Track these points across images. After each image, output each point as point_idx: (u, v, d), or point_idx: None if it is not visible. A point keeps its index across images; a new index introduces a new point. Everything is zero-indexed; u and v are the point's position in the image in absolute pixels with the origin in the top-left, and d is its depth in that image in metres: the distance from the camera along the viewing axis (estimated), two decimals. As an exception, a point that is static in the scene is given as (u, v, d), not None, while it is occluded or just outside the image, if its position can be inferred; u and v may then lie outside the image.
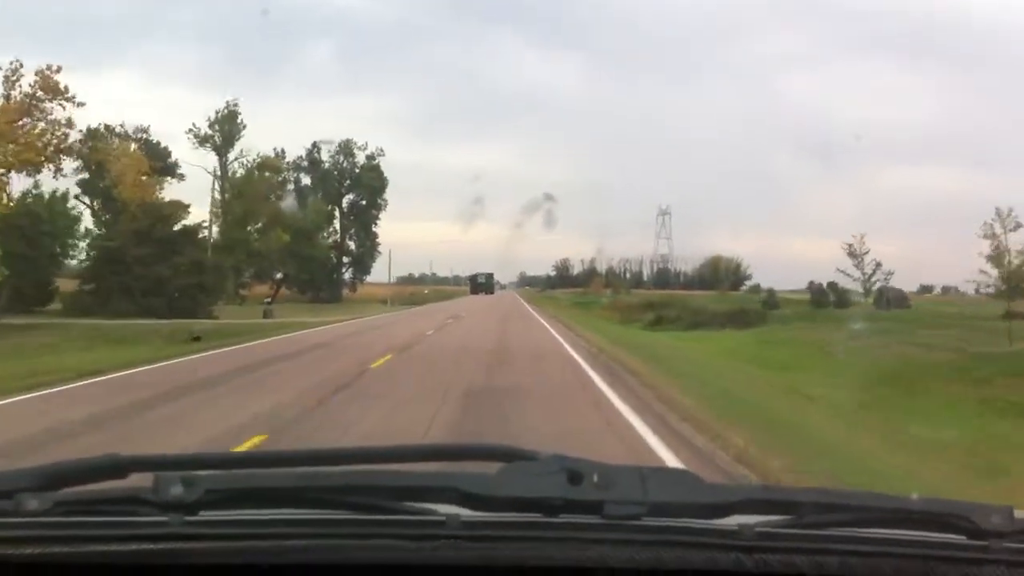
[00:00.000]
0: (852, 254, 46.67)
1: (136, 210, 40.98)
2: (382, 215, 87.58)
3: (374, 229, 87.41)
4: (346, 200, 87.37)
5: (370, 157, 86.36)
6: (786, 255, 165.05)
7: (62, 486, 1.40)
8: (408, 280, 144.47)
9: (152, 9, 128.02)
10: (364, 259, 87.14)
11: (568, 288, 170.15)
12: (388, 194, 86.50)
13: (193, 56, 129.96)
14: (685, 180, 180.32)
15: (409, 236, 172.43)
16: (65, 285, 47.23)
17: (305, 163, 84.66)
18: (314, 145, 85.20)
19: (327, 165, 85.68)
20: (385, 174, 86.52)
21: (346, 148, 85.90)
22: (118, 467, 1.44)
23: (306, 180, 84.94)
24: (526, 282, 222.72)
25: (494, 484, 1.37)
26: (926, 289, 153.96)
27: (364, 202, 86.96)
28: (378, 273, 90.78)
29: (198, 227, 46.50)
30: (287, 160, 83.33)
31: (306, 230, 64.32)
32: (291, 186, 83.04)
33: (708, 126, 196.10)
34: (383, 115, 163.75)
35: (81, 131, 39.01)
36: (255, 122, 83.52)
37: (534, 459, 1.47)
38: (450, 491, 1.36)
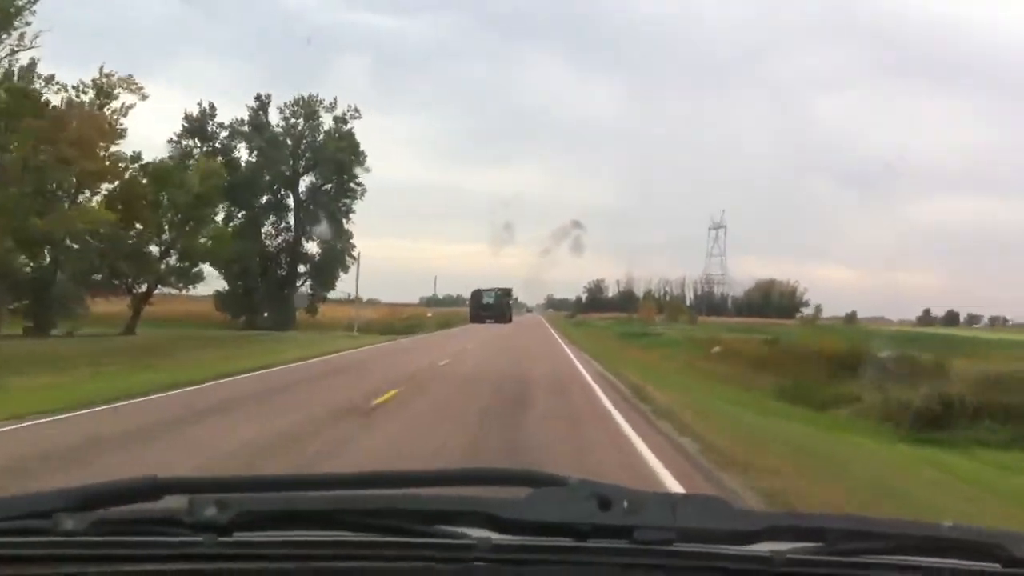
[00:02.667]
0: None
1: None
2: (356, 205, 58.98)
3: (345, 225, 58.79)
4: (305, 182, 58.93)
5: (339, 120, 57.96)
6: (819, 281, 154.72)
7: (99, 506, 1.36)
8: (430, 301, 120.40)
9: (192, 26, 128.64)
10: (329, 267, 58.47)
11: (603, 312, 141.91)
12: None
13: (227, 73, 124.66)
14: (718, 203, 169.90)
15: (432, 256, 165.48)
16: None
17: (247, 127, 56.39)
18: (258, 99, 56.93)
19: (278, 129, 57.34)
20: (362, 146, 58.04)
21: (307, 106, 57.54)
22: (154, 488, 1.41)
23: (247, 155, 56.76)
24: (554, 305, 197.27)
25: (524, 508, 1.33)
26: (974, 319, 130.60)
27: (328, 186, 58.40)
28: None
29: None
30: (218, 120, 55.29)
31: (183, 208, 35.78)
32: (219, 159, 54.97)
33: (742, 149, 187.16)
34: (412, 135, 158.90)
35: None
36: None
37: (563, 484, 1.41)
38: (480, 515, 1.34)
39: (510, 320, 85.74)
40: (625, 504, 1.33)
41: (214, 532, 1.29)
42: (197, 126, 54.32)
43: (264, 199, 57.65)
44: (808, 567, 1.35)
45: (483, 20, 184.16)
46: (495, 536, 1.32)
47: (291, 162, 57.71)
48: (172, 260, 37.46)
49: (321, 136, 57.22)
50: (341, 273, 58.25)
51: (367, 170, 57.89)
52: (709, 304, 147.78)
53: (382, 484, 1.49)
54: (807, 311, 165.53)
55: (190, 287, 39.45)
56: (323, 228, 57.45)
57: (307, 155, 57.76)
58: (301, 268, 58.90)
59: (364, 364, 24.18)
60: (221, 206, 38.03)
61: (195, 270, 37.90)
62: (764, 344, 34.47)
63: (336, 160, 55.48)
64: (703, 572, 1.33)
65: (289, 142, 57.36)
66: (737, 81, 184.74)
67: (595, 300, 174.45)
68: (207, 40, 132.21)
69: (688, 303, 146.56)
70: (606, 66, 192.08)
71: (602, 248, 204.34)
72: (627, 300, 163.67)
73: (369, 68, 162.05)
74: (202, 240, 37.32)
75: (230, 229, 55.25)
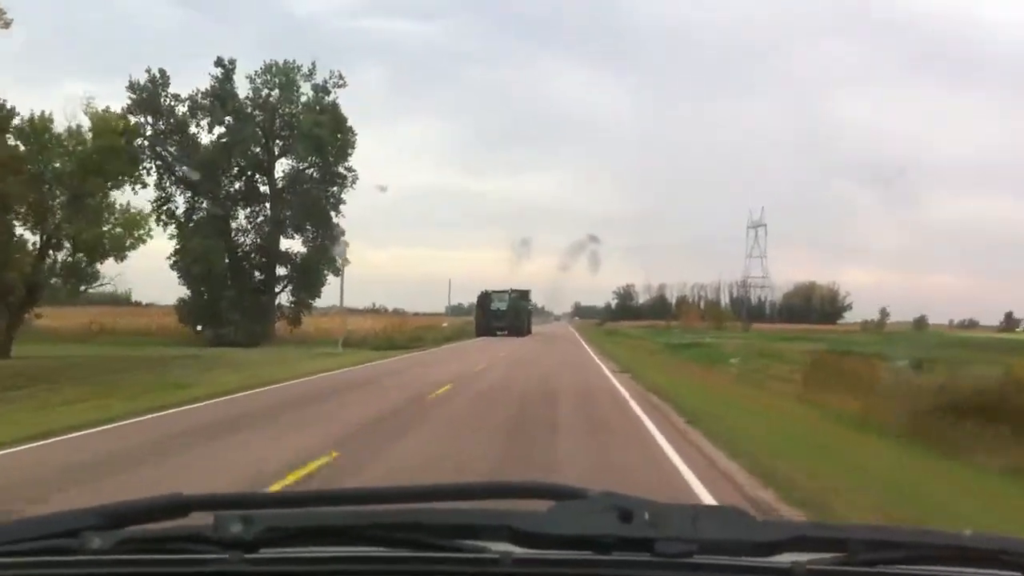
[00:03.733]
0: None
1: None
2: (347, 194, 48.05)
3: (334, 219, 47.90)
4: (284, 167, 48.06)
5: (320, 89, 47.03)
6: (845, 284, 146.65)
7: (125, 525, 1.36)
8: (455, 310, 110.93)
9: (205, 32, 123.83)
10: (314, 269, 47.49)
11: (635, 320, 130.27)
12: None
13: (242, 85, 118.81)
14: (741, 205, 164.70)
15: (456, 265, 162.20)
16: None
17: (208, 100, 45.64)
18: (220, 65, 45.96)
19: (246, 102, 46.50)
20: (349, 122, 47.13)
21: (282, 73, 46.74)
22: (179, 506, 1.41)
23: (210, 135, 45.98)
24: (581, 313, 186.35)
25: (546, 522, 1.31)
26: (1013, 322, 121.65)
27: (308, 169, 47.53)
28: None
29: None
30: (172, 91, 44.76)
31: (70, 181, 24.75)
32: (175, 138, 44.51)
33: (764, 151, 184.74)
34: (434, 143, 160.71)
35: None
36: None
37: (585, 497, 1.41)
38: (502, 529, 1.32)
39: (528, 332, 66.86)
40: (647, 516, 1.31)
41: (240, 549, 1.28)
42: (146, 98, 43.70)
43: (234, 187, 47.04)
44: None
45: (499, 25, 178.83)
46: (517, 550, 1.31)
47: (264, 141, 46.91)
48: (63, 255, 26.47)
49: (299, 108, 46.38)
50: (330, 276, 47.25)
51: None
52: (747, 309, 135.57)
53: (405, 499, 1.49)
54: (849, 315, 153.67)
55: (80, 290, 28.32)
56: (304, 222, 46.86)
57: (283, 133, 47.01)
58: (281, 271, 48.07)
59: (222, 429, 12.97)
60: (131, 176, 27.00)
61: (91, 268, 26.76)
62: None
63: (316, 137, 44.57)
64: None
65: (261, 117, 46.60)
66: (757, 83, 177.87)
67: (625, 307, 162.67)
68: (217, 47, 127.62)
69: (723, 308, 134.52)
70: (624, 70, 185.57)
71: (626, 253, 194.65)
72: (659, 306, 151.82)
73: (385, 75, 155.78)
74: (108, 228, 26.54)
75: (180, 221, 44.89)
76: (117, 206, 27.08)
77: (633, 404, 17.12)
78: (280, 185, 47.49)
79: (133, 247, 26.83)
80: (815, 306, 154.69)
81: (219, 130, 45.44)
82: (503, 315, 65.79)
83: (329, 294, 49.09)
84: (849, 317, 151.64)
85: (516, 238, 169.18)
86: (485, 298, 68.64)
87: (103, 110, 25.82)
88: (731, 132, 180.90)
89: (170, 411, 14.90)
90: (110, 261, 27.49)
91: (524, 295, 70.53)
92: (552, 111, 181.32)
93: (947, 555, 1.40)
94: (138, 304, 77.58)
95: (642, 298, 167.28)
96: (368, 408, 15.65)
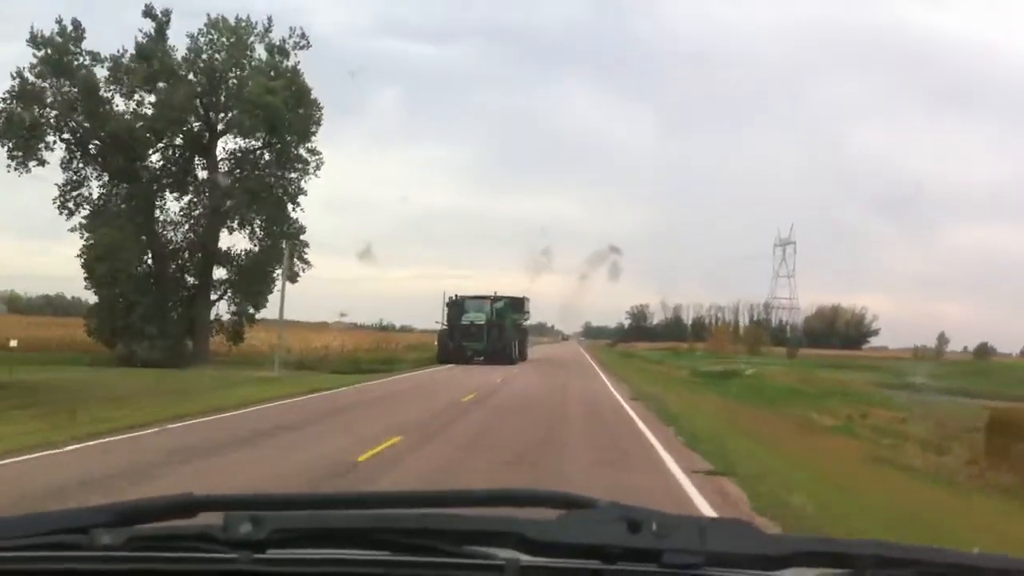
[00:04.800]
0: None
1: None
2: (308, 182, 38.58)
3: (290, 211, 38.44)
4: (224, 145, 38.53)
5: (276, 51, 37.49)
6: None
7: (135, 522, 1.37)
8: None
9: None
10: (260, 272, 37.89)
11: (650, 341, 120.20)
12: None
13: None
14: (753, 229, 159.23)
15: (468, 284, 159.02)
16: None
17: (132, 61, 36.19)
18: (150, 15, 36.27)
19: (182, 63, 37.01)
20: (313, 92, 37.61)
21: (230, 32, 37.28)
22: (189, 505, 1.42)
23: (128, 103, 36.49)
24: (591, 333, 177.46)
25: (554, 530, 1.32)
26: None
27: (259, 148, 38.07)
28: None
29: None
30: (89, 47, 35.43)
31: None
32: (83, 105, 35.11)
33: (776, 177, 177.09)
34: (446, 163, 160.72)
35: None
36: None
37: (593, 506, 1.41)
38: (510, 536, 1.32)
39: (521, 357, 49.26)
40: (654, 527, 1.30)
41: (249, 549, 1.28)
42: (54, 57, 34.35)
43: (161, 167, 37.56)
44: None
45: (518, 48, 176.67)
46: (524, 557, 1.30)
47: (204, 114, 37.51)
48: None
49: (246, 73, 36.85)
50: (277, 282, 37.44)
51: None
52: (770, 331, 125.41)
53: (415, 503, 1.50)
54: (875, 340, 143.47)
55: None
56: (251, 214, 37.44)
57: (229, 104, 37.55)
58: (222, 274, 38.47)
59: None
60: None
61: None
62: None
63: (267, 107, 35.04)
64: None
65: (202, 82, 37.08)
66: (771, 110, 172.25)
67: (639, 328, 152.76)
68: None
69: (741, 331, 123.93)
70: (644, 95, 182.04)
71: (639, 275, 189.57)
72: (675, 327, 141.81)
73: (405, 96, 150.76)
74: None
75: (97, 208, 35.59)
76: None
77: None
78: (223, 168, 38.04)
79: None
80: (839, 330, 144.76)
81: (149, 98, 36.11)
82: (479, 333, 46.30)
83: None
84: (875, 342, 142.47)
85: (531, 256, 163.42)
86: (455, 308, 48.14)
87: None
88: (747, 159, 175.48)
89: None
90: None
91: (515, 304, 51.84)
92: (569, 133, 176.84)
93: (954, 574, 1.37)
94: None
95: (656, 319, 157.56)
96: None
